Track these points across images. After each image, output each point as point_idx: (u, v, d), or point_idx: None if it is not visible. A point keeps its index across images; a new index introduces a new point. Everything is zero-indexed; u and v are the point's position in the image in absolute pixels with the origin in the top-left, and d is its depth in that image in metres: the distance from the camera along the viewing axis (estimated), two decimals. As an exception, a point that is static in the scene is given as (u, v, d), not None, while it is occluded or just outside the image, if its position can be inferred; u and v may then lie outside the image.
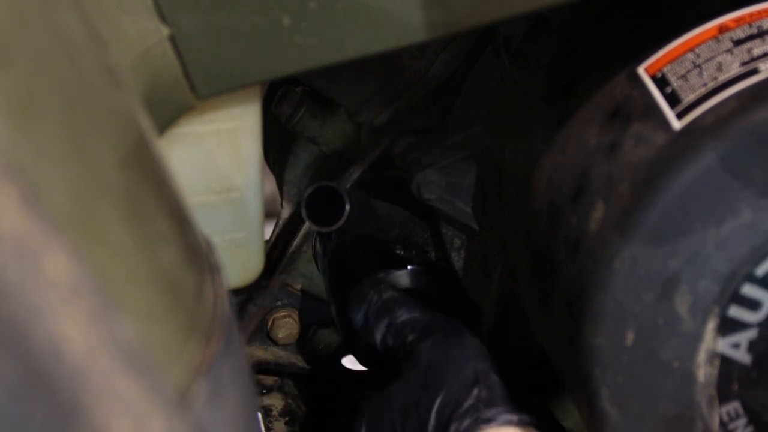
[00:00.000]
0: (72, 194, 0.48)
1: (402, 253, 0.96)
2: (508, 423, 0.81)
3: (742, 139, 0.65)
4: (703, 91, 0.68)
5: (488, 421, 0.80)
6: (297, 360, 1.13)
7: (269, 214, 1.02)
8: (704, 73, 0.69)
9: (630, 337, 0.68)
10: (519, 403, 0.83)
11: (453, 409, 0.81)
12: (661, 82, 0.70)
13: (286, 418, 1.11)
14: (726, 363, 0.69)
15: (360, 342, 0.92)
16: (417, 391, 0.84)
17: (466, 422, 0.81)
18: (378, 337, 0.90)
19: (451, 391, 0.82)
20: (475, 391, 0.82)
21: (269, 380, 1.14)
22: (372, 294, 0.92)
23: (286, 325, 1.10)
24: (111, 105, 0.53)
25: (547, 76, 0.81)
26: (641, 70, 0.72)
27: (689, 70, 0.70)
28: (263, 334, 1.11)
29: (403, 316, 0.90)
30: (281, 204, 1.06)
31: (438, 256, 0.95)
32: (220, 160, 0.74)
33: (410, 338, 0.88)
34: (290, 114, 1.01)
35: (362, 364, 0.96)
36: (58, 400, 0.41)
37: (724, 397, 0.69)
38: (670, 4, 0.75)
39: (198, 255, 0.57)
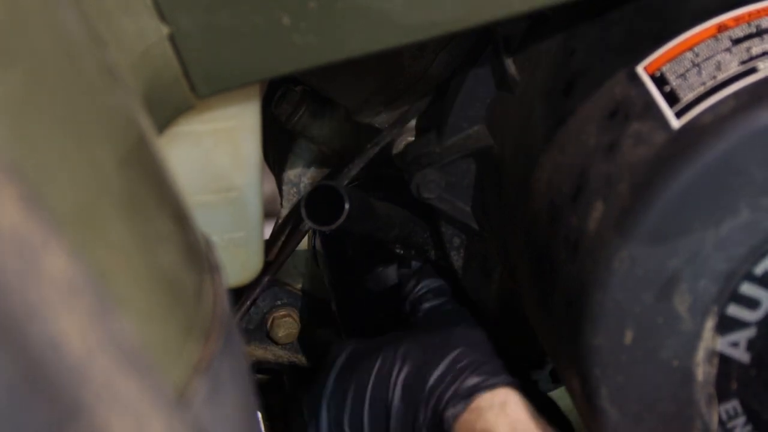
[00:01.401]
0: (72, 194, 0.48)
1: (402, 252, 0.96)
2: (511, 385, 0.82)
3: (741, 138, 0.65)
4: (702, 90, 0.68)
5: (489, 385, 0.82)
6: (297, 360, 1.13)
7: (269, 214, 1.02)
8: (703, 72, 0.69)
9: (629, 337, 0.68)
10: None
11: (458, 373, 0.83)
12: (660, 81, 0.70)
13: (286, 418, 1.11)
14: (725, 362, 0.69)
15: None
16: (427, 345, 0.86)
17: (470, 383, 0.82)
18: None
19: (460, 356, 0.84)
20: (482, 363, 0.83)
21: (269, 380, 1.14)
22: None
23: (286, 325, 1.10)
24: (111, 105, 0.53)
25: (546, 76, 0.81)
26: (640, 70, 0.72)
27: (688, 69, 0.70)
28: (263, 333, 1.11)
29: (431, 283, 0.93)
30: (281, 204, 1.06)
31: (438, 256, 0.95)
32: (219, 159, 0.74)
33: (430, 304, 0.91)
34: (290, 113, 1.01)
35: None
36: (58, 398, 0.41)
37: (723, 395, 0.70)
38: (669, 4, 0.75)
39: (198, 254, 0.57)
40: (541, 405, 0.83)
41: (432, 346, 0.86)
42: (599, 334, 0.68)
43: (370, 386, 0.86)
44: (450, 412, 0.82)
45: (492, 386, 0.82)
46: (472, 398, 0.82)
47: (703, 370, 0.69)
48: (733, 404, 0.70)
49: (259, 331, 1.10)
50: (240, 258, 0.79)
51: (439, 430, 0.83)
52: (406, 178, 0.89)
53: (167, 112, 0.67)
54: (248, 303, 0.97)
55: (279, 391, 1.13)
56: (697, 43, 0.71)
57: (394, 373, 0.85)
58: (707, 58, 0.70)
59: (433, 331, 0.88)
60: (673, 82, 0.70)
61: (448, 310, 0.92)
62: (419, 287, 0.94)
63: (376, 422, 0.86)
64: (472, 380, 0.83)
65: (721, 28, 0.71)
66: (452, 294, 0.94)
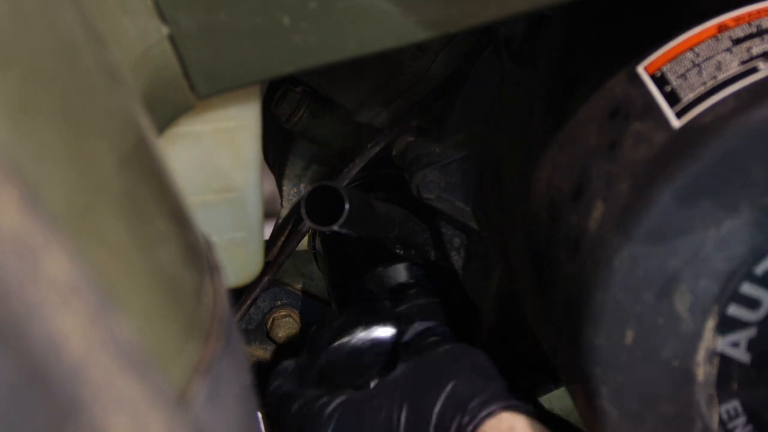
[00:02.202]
0: (72, 194, 0.48)
1: (402, 252, 0.96)
2: (511, 409, 0.81)
3: (742, 137, 0.65)
4: (702, 89, 0.68)
5: (493, 411, 0.81)
6: (297, 360, 1.13)
7: (269, 214, 1.02)
8: (703, 72, 0.69)
9: (630, 336, 0.68)
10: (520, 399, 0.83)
11: (459, 404, 0.82)
12: (661, 81, 0.70)
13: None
14: (725, 362, 0.69)
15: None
16: (422, 381, 0.84)
17: (473, 413, 0.81)
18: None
19: (458, 387, 0.83)
20: (482, 390, 0.82)
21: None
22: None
23: (286, 325, 1.10)
24: (111, 105, 0.53)
25: (547, 76, 0.81)
26: (641, 69, 0.72)
27: (688, 69, 0.70)
28: (263, 334, 1.11)
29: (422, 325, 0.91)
30: (281, 204, 1.06)
31: (437, 256, 0.95)
32: (219, 159, 0.75)
33: (427, 342, 0.90)
34: (290, 114, 1.01)
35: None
36: (57, 398, 0.41)
37: (723, 396, 0.70)
38: (669, 3, 0.75)
39: (197, 254, 0.57)
40: (547, 421, 0.82)
41: (426, 383, 0.84)
42: (600, 334, 0.68)
43: None
44: None
45: (493, 413, 0.81)
46: (477, 430, 0.81)
47: (703, 371, 0.69)
48: (733, 404, 0.70)
49: (259, 332, 1.11)
50: (240, 258, 0.79)
51: None
52: (407, 177, 0.89)
53: (167, 112, 0.67)
54: (248, 303, 0.98)
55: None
56: (697, 43, 0.71)
57: (394, 419, 0.84)
58: (708, 58, 0.70)
59: (425, 365, 0.87)
60: (674, 82, 0.70)
61: (440, 345, 0.90)
62: (409, 333, 0.92)
63: None
64: (473, 411, 0.81)
65: (722, 28, 0.71)
66: (445, 324, 0.94)
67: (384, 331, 0.91)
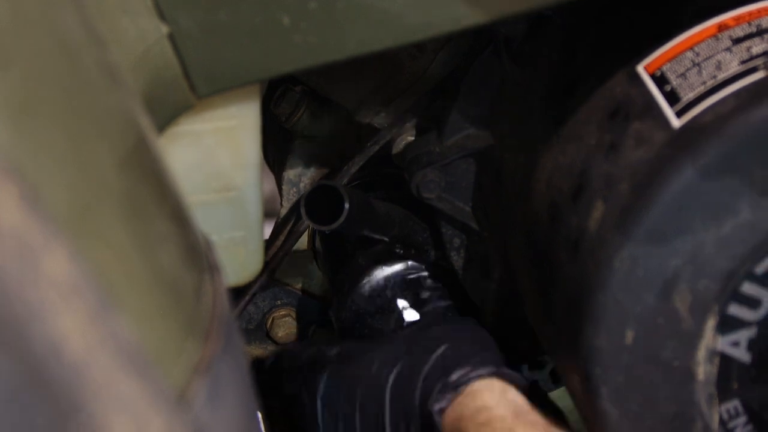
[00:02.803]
0: (72, 194, 0.48)
1: (401, 252, 0.96)
2: (504, 376, 0.81)
3: (742, 137, 0.65)
4: (702, 89, 0.68)
5: (483, 375, 0.81)
6: (297, 359, 1.13)
7: (269, 213, 1.02)
8: (703, 71, 0.69)
9: (630, 336, 0.68)
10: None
11: (449, 365, 0.82)
12: (661, 81, 0.70)
13: (286, 418, 1.11)
14: (726, 361, 0.69)
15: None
16: (418, 345, 0.85)
17: (462, 373, 0.81)
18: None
19: (449, 351, 0.83)
20: (474, 355, 0.83)
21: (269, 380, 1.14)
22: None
23: (286, 325, 1.10)
24: (111, 105, 0.53)
25: (547, 76, 0.81)
26: (641, 69, 0.72)
27: (688, 69, 0.70)
28: (263, 333, 1.11)
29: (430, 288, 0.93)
30: (281, 203, 1.06)
31: (437, 256, 0.95)
32: (219, 158, 0.75)
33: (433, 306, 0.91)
34: (289, 113, 1.01)
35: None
36: (58, 398, 0.41)
37: (723, 395, 0.70)
38: (669, 3, 0.75)
39: (197, 254, 0.57)
40: (540, 398, 0.83)
41: (419, 346, 0.85)
42: (600, 334, 0.68)
43: (360, 394, 0.85)
44: (437, 407, 0.81)
45: (483, 377, 0.81)
46: (460, 389, 0.81)
47: (703, 370, 0.69)
48: (734, 404, 0.70)
49: (258, 331, 1.11)
50: (240, 257, 0.79)
51: (432, 430, 0.82)
52: (406, 177, 0.89)
53: (167, 112, 0.67)
54: (243, 303, 0.98)
55: (279, 392, 1.13)
56: (697, 43, 0.71)
57: (383, 374, 0.84)
58: (708, 58, 0.70)
59: (420, 330, 0.88)
60: (674, 81, 0.70)
61: (446, 311, 0.92)
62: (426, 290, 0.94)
63: (369, 430, 0.85)
64: (460, 372, 0.81)
65: (722, 27, 0.71)
66: (452, 296, 0.94)
67: (395, 267, 0.95)
